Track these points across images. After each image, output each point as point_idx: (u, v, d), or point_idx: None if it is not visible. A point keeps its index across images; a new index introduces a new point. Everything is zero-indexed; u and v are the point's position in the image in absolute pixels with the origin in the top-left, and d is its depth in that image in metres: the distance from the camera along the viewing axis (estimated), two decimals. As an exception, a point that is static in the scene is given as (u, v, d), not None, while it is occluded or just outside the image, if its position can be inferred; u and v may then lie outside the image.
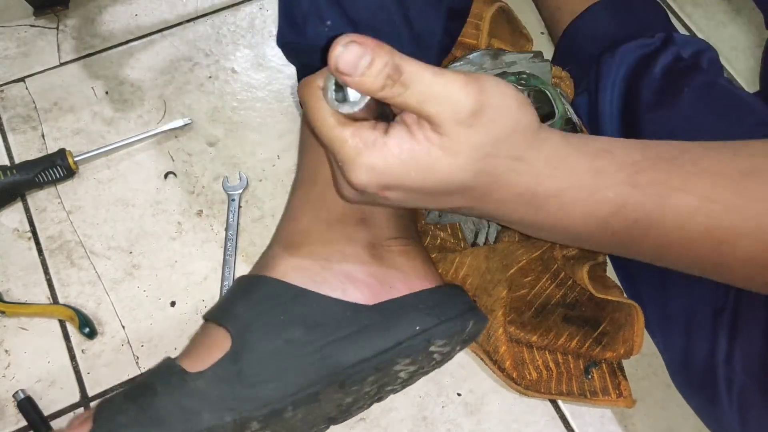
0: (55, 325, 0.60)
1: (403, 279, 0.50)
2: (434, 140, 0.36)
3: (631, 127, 0.58)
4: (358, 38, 0.33)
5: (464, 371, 0.57)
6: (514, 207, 0.39)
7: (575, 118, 0.56)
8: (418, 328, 0.48)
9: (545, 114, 0.56)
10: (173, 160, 0.68)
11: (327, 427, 0.52)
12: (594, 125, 0.60)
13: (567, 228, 0.40)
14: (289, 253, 0.50)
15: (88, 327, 0.58)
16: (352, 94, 0.35)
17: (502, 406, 0.56)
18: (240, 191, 0.65)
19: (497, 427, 0.55)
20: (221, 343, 0.48)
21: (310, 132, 0.54)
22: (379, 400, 0.53)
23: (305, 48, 0.52)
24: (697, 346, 0.50)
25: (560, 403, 0.57)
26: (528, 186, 0.38)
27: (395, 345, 0.47)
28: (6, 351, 0.58)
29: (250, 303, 0.49)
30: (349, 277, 0.49)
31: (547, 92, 0.55)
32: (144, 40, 0.75)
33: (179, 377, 0.46)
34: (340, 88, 0.35)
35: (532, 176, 0.38)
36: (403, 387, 0.53)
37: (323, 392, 0.47)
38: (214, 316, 0.50)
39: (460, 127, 0.35)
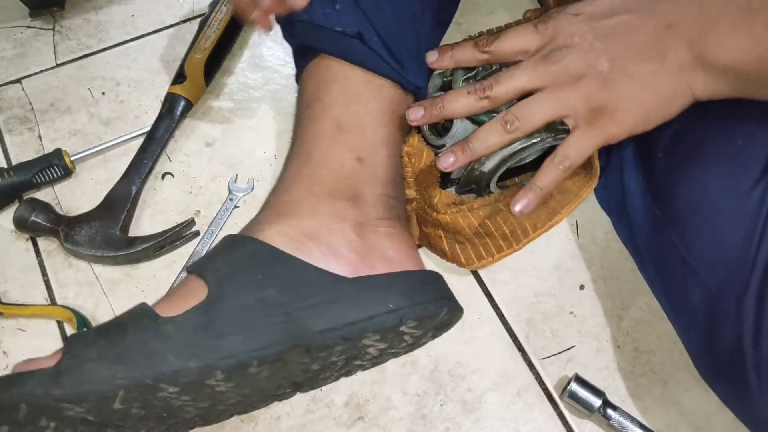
0: (53, 326, 0.60)
1: (385, 260, 0.52)
2: None
3: None
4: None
5: (462, 370, 0.58)
6: None
7: None
8: (391, 306, 0.49)
9: None
10: (170, 161, 0.68)
11: (293, 392, 0.53)
12: None
13: None
14: (277, 221, 0.52)
15: (86, 328, 0.58)
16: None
17: (501, 404, 0.56)
18: (242, 195, 0.65)
19: (495, 425, 0.56)
20: (198, 293, 0.49)
21: (305, 107, 0.56)
22: (347, 374, 0.54)
23: (309, 27, 0.54)
24: (722, 333, 0.49)
25: (558, 401, 0.57)
26: None
27: (366, 318, 0.48)
28: (4, 352, 0.58)
29: (230, 258, 0.50)
30: (332, 250, 0.50)
31: None
32: (140, 40, 0.75)
33: (151, 319, 0.47)
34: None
35: None
36: (373, 365, 0.54)
37: (288, 353, 0.47)
38: (194, 268, 0.51)
39: None
